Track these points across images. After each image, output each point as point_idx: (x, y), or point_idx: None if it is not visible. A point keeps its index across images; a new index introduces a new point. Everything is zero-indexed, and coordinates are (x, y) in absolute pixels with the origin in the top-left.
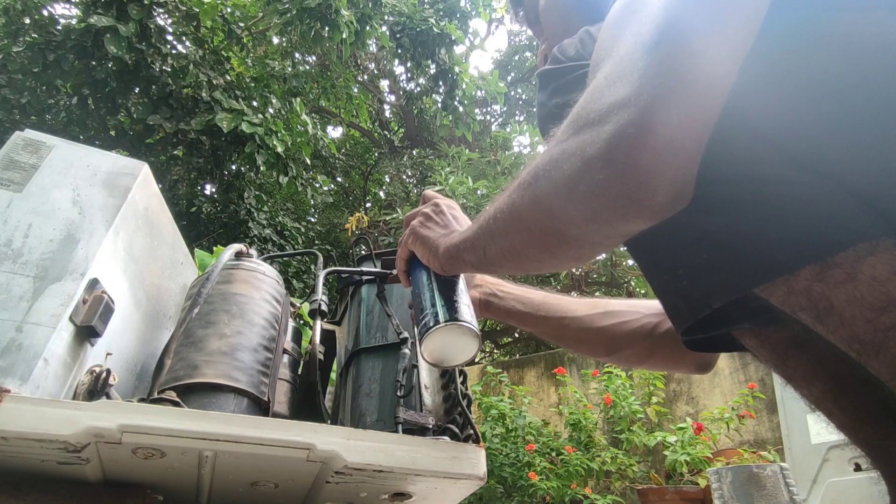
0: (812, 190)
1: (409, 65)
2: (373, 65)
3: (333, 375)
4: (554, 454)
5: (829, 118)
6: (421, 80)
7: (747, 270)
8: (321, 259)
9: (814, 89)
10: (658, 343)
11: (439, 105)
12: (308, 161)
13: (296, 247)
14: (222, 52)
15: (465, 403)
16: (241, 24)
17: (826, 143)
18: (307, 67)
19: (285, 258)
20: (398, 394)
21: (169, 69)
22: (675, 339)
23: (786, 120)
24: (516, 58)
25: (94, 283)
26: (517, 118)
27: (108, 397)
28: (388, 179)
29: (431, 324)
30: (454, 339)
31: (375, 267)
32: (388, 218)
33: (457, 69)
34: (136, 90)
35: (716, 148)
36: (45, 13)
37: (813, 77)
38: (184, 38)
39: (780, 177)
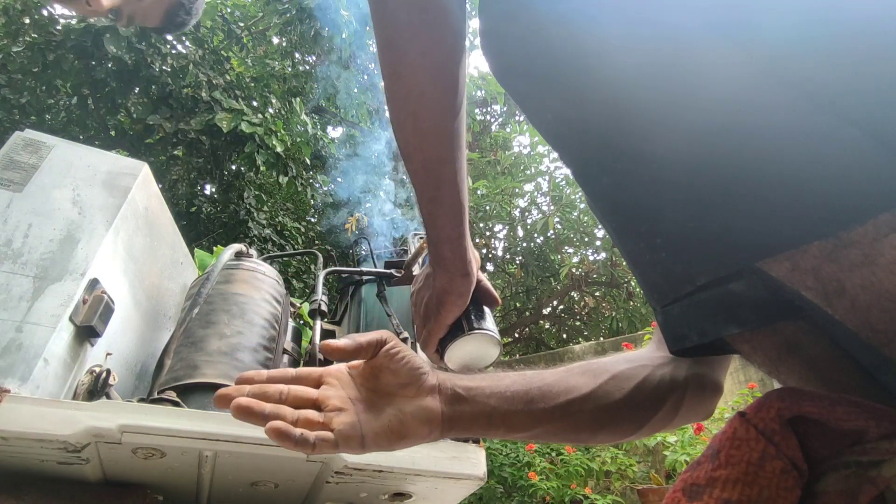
0: (833, 141)
1: None
2: (373, 65)
3: None
4: (554, 454)
5: (868, 46)
6: None
7: (743, 243)
8: (321, 259)
9: None
10: (682, 394)
11: None
12: (308, 161)
13: (296, 247)
14: (222, 52)
15: None
16: (241, 24)
17: (859, 79)
18: (307, 67)
19: (285, 258)
20: None
21: (169, 69)
22: (697, 383)
23: (800, 45)
24: None
25: (94, 283)
26: (517, 118)
27: (108, 397)
28: (388, 179)
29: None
30: (478, 347)
31: (375, 267)
32: (388, 218)
33: None
34: (136, 90)
35: (708, 90)
36: (45, 13)
37: None
38: (184, 38)
39: (796, 126)
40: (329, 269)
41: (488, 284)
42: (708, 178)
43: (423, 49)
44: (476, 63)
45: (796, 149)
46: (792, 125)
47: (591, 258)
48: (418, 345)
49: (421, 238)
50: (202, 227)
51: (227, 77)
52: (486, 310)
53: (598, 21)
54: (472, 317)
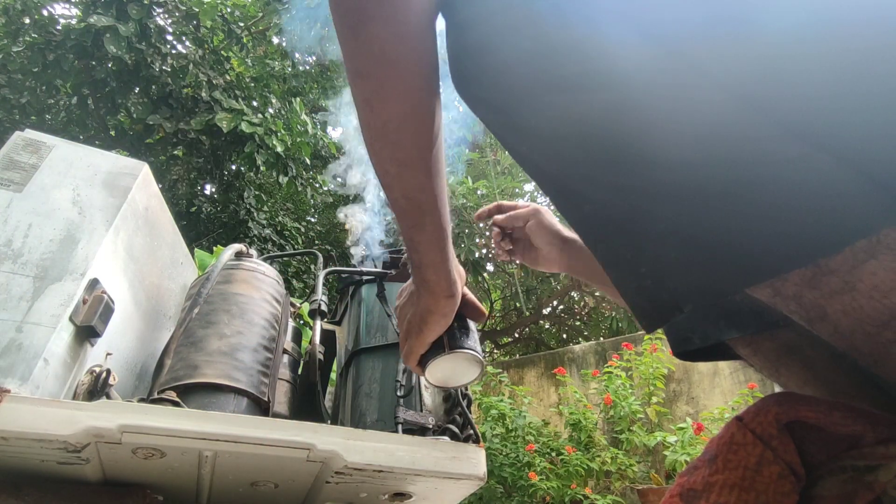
0: (807, 169)
1: None
2: None
3: (333, 375)
4: (554, 454)
5: (837, 71)
6: None
7: (724, 271)
8: (321, 259)
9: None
10: None
11: None
12: (308, 161)
13: (296, 247)
14: (222, 52)
15: (465, 403)
16: (241, 24)
17: (829, 105)
18: (307, 67)
19: (285, 258)
20: (398, 394)
21: (169, 69)
22: None
23: (770, 73)
24: None
25: (94, 283)
26: None
27: (108, 397)
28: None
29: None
30: (457, 365)
31: (375, 267)
32: (388, 218)
33: None
34: (136, 90)
35: (686, 121)
36: (45, 13)
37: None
38: (184, 38)
39: (769, 154)
40: (329, 269)
41: (473, 298)
42: (686, 209)
43: (397, 79)
44: None
45: (772, 178)
46: (767, 153)
47: None
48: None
49: None
50: (202, 227)
51: (227, 77)
52: (471, 326)
53: (575, 62)
54: (456, 334)
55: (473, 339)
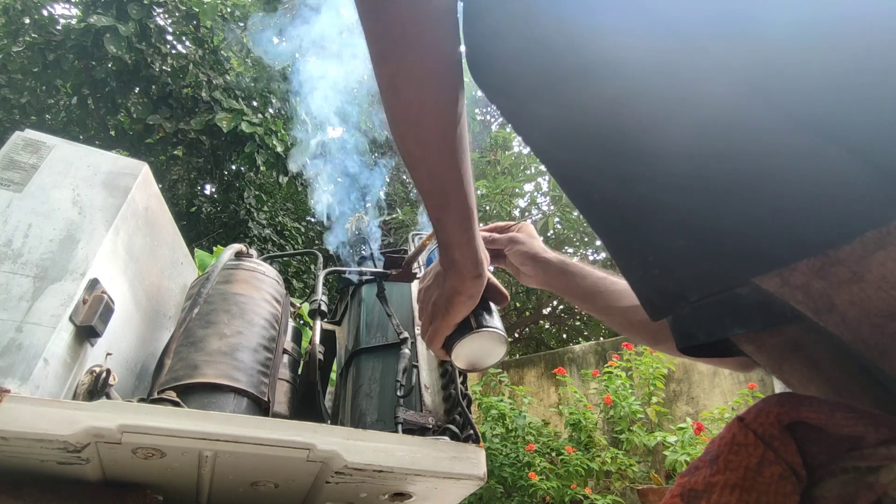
0: (817, 160)
1: None
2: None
3: (333, 375)
4: (554, 454)
5: (847, 64)
6: None
7: (732, 261)
8: (321, 259)
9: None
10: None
11: None
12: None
13: (296, 247)
14: (222, 52)
15: (465, 403)
16: (241, 24)
17: (840, 97)
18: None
19: (285, 258)
20: (398, 394)
21: (169, 69)
22: None
23: (783, 65)
24: None
25: (94, 283)
26: None
27: (108, 397)
28: (387, 179)
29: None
30: (485, 344)
31: (376, 267)
32: (388, 218)
33: None
34: (136, 90)
35: (696, 112)
36: (45, 13)
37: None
38: (184, 38)
39: (780, 146)
40: (329, 269)
41: (496, 281)
42: (695, 198)
43: (419, 61)
44: None
45: (783, 169)
46: (778, 145)
47: (591, 258)
48: (422, 341)
49: (420, 237)
50: (202, 227)
51: (227, 77)
52: (493, 307)
53: (584, 52)
54: (481, 314)
55: (498, 320)
